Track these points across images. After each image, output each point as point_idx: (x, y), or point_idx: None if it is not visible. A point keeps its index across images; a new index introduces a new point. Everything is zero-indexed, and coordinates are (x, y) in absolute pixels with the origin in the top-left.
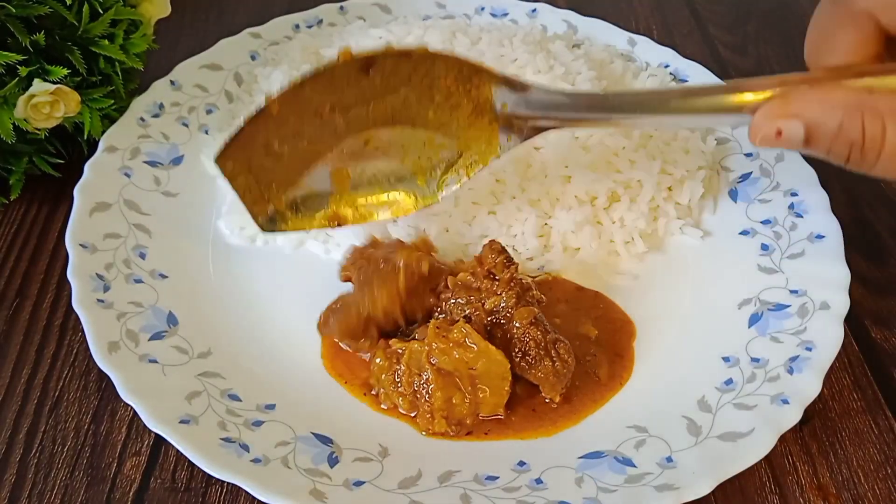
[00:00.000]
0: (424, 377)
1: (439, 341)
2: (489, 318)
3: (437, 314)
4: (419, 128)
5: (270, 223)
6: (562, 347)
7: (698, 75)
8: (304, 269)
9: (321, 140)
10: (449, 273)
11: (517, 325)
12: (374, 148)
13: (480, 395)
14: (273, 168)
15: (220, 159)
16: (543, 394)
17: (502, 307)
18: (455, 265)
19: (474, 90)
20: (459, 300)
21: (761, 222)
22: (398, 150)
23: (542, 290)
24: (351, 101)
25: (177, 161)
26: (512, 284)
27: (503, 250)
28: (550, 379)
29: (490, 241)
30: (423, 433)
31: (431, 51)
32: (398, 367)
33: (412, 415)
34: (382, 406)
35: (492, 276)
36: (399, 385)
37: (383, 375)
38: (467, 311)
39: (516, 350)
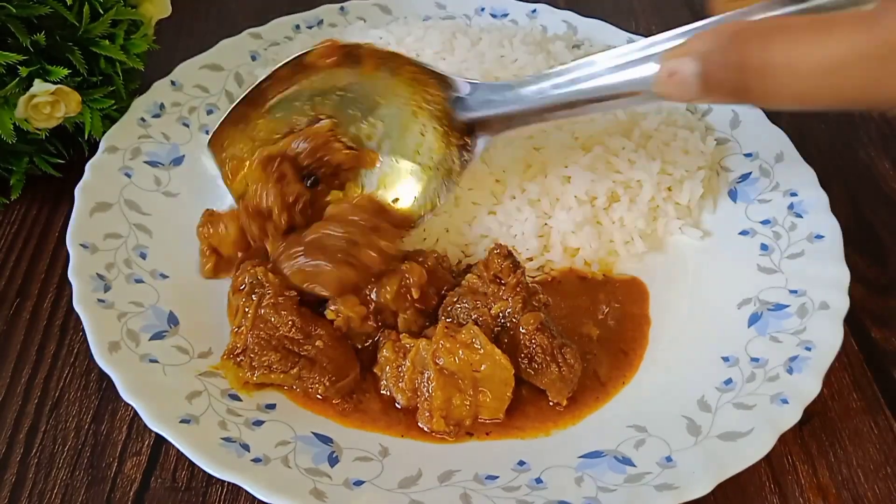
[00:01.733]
0: (427, 376)
1: (447, 341)
2: (495, 323)
3: (442, 318)
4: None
5: None
6: (568, 352)
7: None
8: None
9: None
10: None
11: (523, 330)
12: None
13: (482, 398)
14: (254, 139)
15: (213, 143)
16: (550, 398)
17: (508, 312)
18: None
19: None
20: (465, 304)
21: (761, 222)
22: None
23: (544, 289)
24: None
25: (177, 161)
26: (518, 289)
27: (510, 255)
28: (557, 384)
29: (496, 246)
30: (425, 426)
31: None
32: (403, 362)
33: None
34: (382, 393)
35: (498, 280)
36: (401, 381)
37: (388, 367)
38: (474, 316)
39: (522, 356)
